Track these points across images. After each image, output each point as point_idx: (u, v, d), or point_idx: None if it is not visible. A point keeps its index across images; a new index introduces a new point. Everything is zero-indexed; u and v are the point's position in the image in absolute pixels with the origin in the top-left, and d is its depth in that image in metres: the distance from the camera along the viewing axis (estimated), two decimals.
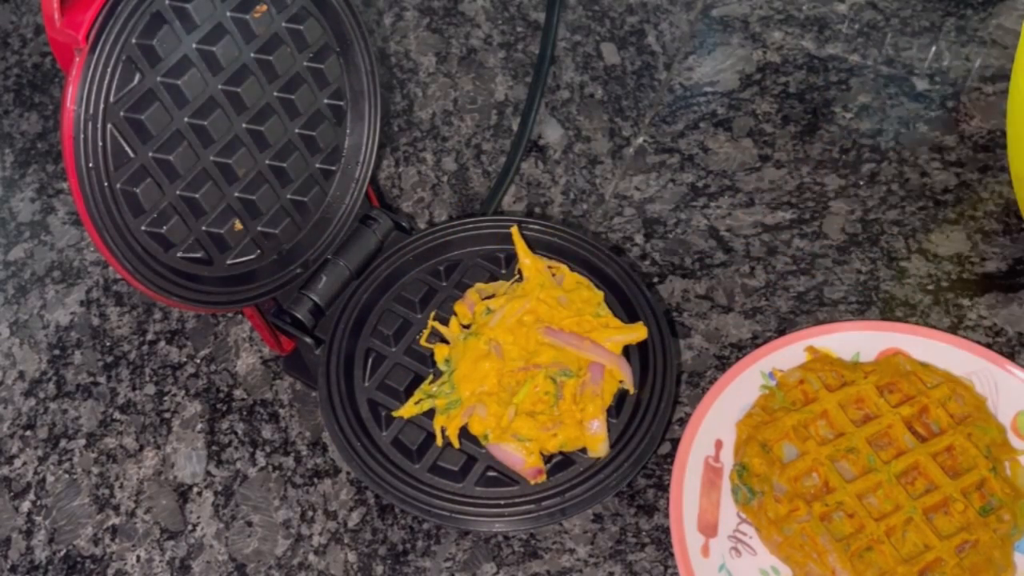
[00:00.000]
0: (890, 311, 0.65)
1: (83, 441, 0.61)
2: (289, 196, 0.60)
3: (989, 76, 0.76)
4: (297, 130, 0.59)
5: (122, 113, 0.51)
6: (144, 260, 0.53)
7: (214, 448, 0.61)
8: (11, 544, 0.58)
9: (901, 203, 0.70)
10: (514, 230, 0.63)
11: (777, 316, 0.65)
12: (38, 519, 0.59)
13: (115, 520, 0.58)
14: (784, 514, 0.54)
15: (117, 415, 0.62)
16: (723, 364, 0.63)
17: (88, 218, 0.50)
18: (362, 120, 0.63)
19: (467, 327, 0.61)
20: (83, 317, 0.66)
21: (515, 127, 0.75)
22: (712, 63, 0.78)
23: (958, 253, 0.68)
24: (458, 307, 0.62)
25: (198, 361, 0.64)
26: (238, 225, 0.57)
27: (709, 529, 0.55)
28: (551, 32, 0.79)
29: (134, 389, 0.63)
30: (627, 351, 0.60)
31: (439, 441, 0.57)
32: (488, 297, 0.62)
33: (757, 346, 0.63)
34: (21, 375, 0.64)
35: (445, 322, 0.61)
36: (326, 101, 0.61)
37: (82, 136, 0.49)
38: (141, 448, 0.61)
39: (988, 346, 0.63)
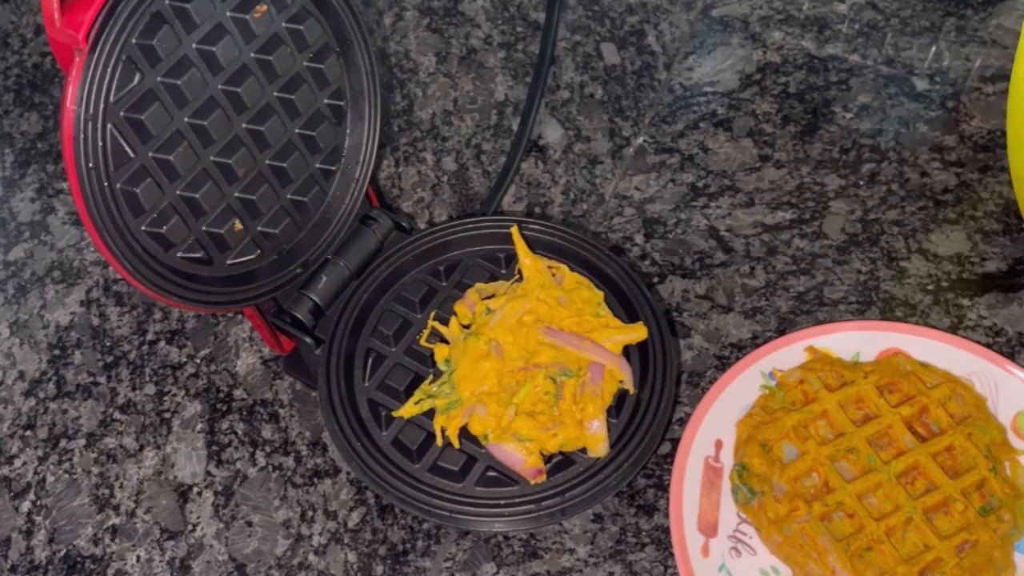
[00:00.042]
0: (890, 311, 0.65)
1: (83, 441, 0.61)
2: (289, 196, 0.60)
3: (989, 76, 0.76)
4: (297, 130, 0.59)
5: (122, 113, 0.51)
6: (144, 260, 0.53)
7: (214, 448, 0.61)
8: (11, 544, 0.58)
9: (901, 203, 0.70)
10: (514, 230, 0.63)
11: (777, 316, 0.65)
12: (38, 519, 0.59)
13: (115, 520, 0.58)
14: (784, 514, 0.54)
15: (117, 415, 0.62)
16: (723, 364, 0.63)
17: (88, 218, 0.50)
18: (362, 120, 0.63)
19: (467, 327, 0.61)
20: (83, 317, 0.66)
21: (515, 127, 0.75)
22: (712, 63, 0.78)
23: (958, 253, 0.68)
24: (458, 307, 0.62)
25: (198, 361, 0.64)
26: (238, 225, 0.57)
27: (709, 529, 0.55)
28: (551, 32, 0.79)
29: (134, 389, 0.63)
30: (627, 351, 0.60)
31: (439, 441, 0.57)
32: (488, 297, 0.62)
33: (757, 346, 0.63)
34: (21, 375, 0.64)
35: (445, 322, 0.61)
36: (326, 101, 0.61)
37: (82, 136, 0.49)
38: (141, 448, 0.61)
39: (988, 346, 0.63)
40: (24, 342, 0.65)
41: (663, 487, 0.59)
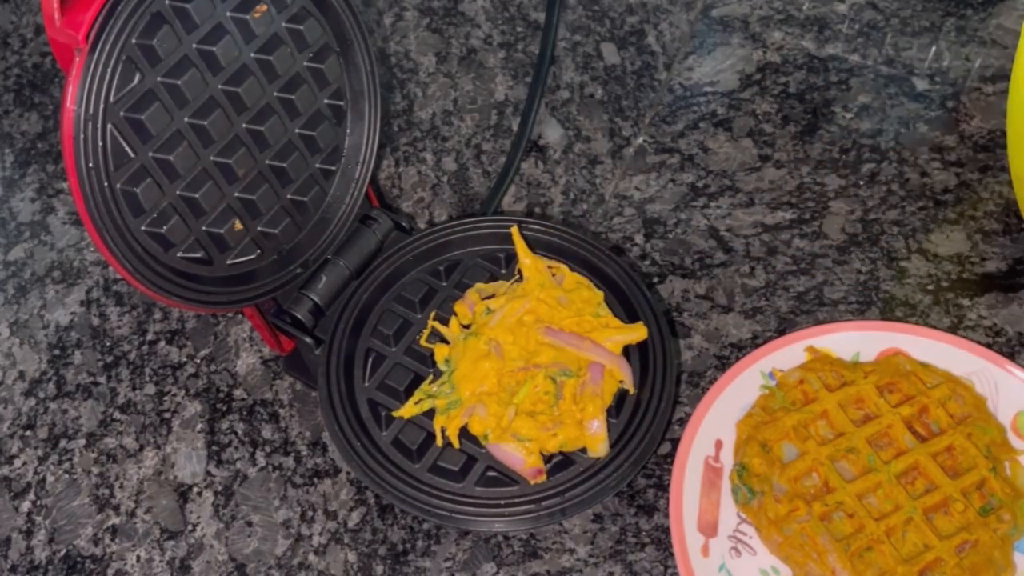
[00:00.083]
0: (890, 311, 0.65)
1: (83, 441, 0.61)
2: (289, 196, 0.60)
3: (989, 76, 0.76)
4: (297, 130, 0.59)
5: (122, 113, 0.51)
6: (144, 260, 0.53)
7: (214, 448, 0.61)
8: (11, 544, 0.58)
9: (901, 203, 0.70)
10: (514, 230, 0.63)
11: (777, 316, 0.65)
12: (38, 519, 0.59)
13: (115, 520, 0.58)
14: (784, 514, 0.54)
15: (117, 415, 0.62)
16: (723, 364, 0.63)
17: (88, 218, 0.50)
18: (362, 120, 0.63)
19: (467, 327, 0.61)
20: (83, 317, 0.66)
21: (515, 127, 0.75)
22: (712, 63, 0.78)
23: (958, 253, 0.68)
24: (458, 307, 0.62)
25: (198, 361, 0.64)
26: (238, 225, 0.57)
27: (709, 529, 0.55)
28: (551, 32, 0.79)
29: (134, 389, 0.63)
30: (627, 351, 0.60)
31: (439, 441, 0.57)
32: (488, 297, 0.62)
33: (757, 346, 0.63)
34: (21, 375, 0.64)
35: (445, 322, 0.61)
36: (326, 101, 0.61)
37: (82, 136, 0.49)
38: (141, 448, 0.61)
39: (988, 346, 0.63)
40: (24, 342, 0.65)
41: (663, 487, 0.59)
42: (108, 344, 0.65)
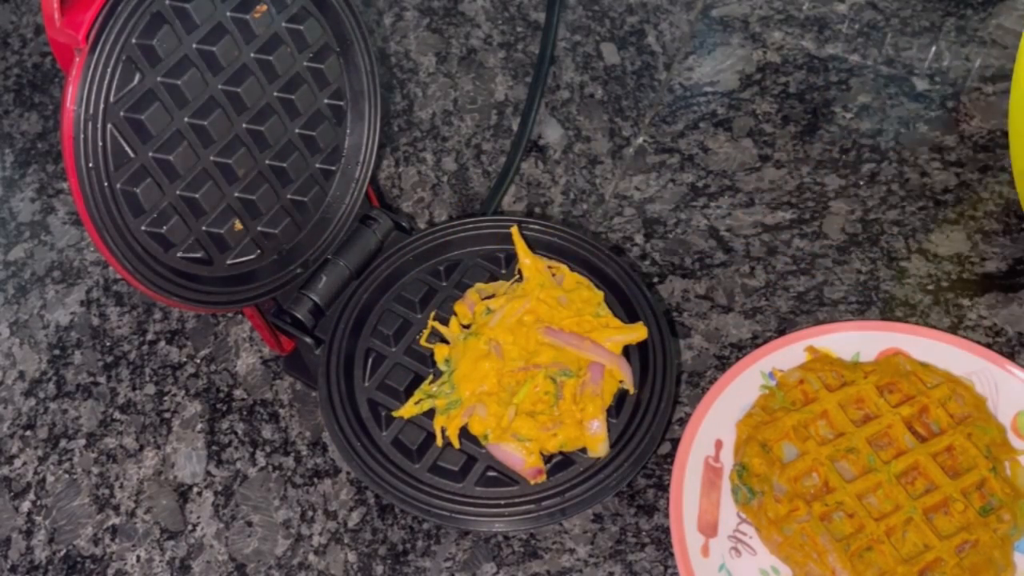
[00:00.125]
0: (890, 311, 0.65)
1: (83, 441, 0.61)
2: (289, 196, 0.60)
3: (989, 76, 0.76)
4: (297, 130, 0.59)
5: (122, 113, 0.51)
6: (144, 260, 0.53)
7: (214, 448, 0.61)
8: (11, 544, 0.58)
9: (901, 203, 0.70)
10: (514, 230, 0.63)
11: (777, 316, 0.65)
12: (38, 519, 0.59)
13: (115, 520, 0.58)
14: (784, 514, 0.54)
15: (117, 415, 0.62)
16: (723, 364, 0.63)
17: (88, 218, 0.50)
18: (362, 120, 0.63)
19: (467, 327, 0.61)
20: (83, 317, 0.66)
21: (515, 127, 0.75)
22: (712, 63, 0.78)
23: (958, 253, 0.68)
24: (458, 307, 0.62)
25: (198, 361, 0.64)
26: (238, 225, 0.57)
27: (709, 529, 0.55)
28: (551, 32, 0.79)
29: (134, 389, 0.63)
30: (627, 351, 0.60)
31: (439, 441, 0.57)
32: (488, 297, 0.62)
33: (757, 346, 0.63)
34: (21, 375, 0.64)
35: (445, 322, 0.61)
36: (326, 101, 0.61)
37: (82, 136, 0.49)
38: (141, 448, 0.61)
39: (988, 346, 0.63)
40: (24, 342, 0.65)
41: (663, 487, 0.59)
42: (108, 344, 0.65)
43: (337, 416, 0.57)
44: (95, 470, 0.60)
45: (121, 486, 0.60)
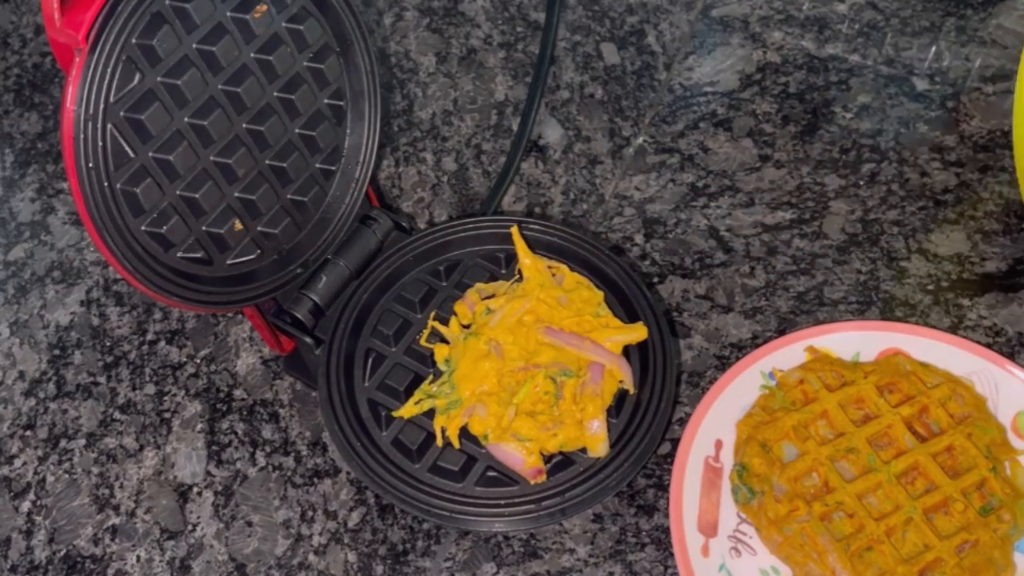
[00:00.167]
0: (890, 311, 0.65)
1: (83, 441, 0.61)
2: (289, 196, 0.60)
3: (989, 76, 0.76)
4: (297, 130, 0.59)
5: (122, 113, 0.51)
6: (144, 260, 0.53)
7: (214, 448, 0.61)
8: (11, 544, 0.58)
9: (901, 203, 0.70)
10: (514, 230, 0.63)
11: (777, 316, 0.65)
12: (38, 519, 0.59)
13: (115, 520, 0.58)
14: (784, 514, 0.54)
15: (117, 415, 0.62)
16: (723, 364, 0.63)
17: (88, 218, 0.50)
18: (362, 120, 0.63)
19: (467, 327, 0.61)
20: (83, 317, 0.66)
21: (515, 127, 0.75)
22: (712, 63, 0.78)
23: (958, 253, 0.68)
24: (458, 307, 0.62)
25: (198, 361, 0.64)
26: (238, 225, 0.57)
27: (709, 529, 0.55)
28: (551, 32, 0.79)
29: (134, 389, 0.63)
30: (627, 351, 0.60)
31: (439, 441, 0.57)
32: (488, 297, 0.62)
33: (757, 346, 0.63)
34: (21, 375, 0.64)
35: (445, 322, 0.61)
36: (326, 101, 0.61)
37: (82, 136, 0.49)
38: (141, 448, 0.61)
39: (988, 346, 0.63)
40: (24, 342, 0.65)
41: (663, 487, 0.59)
42: (108, 344, 0.65)
43: (337, 416, 0.57)
44: (95, 470, 0.60)
45: (121, 486, 0.60)
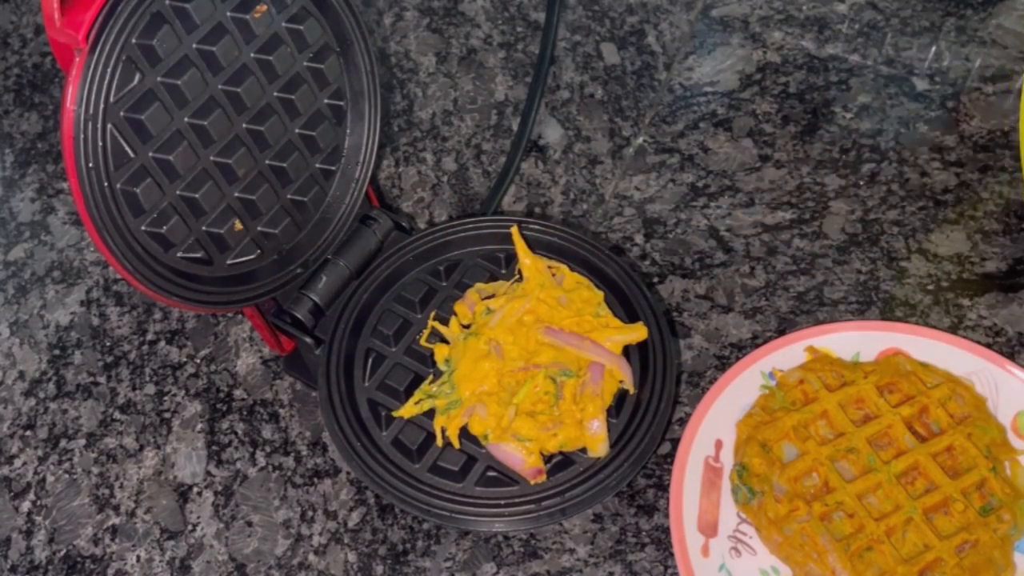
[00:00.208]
0: (890, 311, 0.65)
1: (83, 441, 0.61)
2: (289, 196, 0.60)
3: (989, 76, 0.76)
4: (297, 130, 0.59)
5: (122, 113, 0.51)
6: (144, 260, 0.53)
7: (214, 448, 0.61)
8: (11, 544, 0.58)
9: (901, 203, 0.70)
10: (514, 230, 0.63)
11: (777, 316, 0.65)
12: (38, 519, 0.59)
13: (115, 520, 0.58)
14: (784, 514, 0.54)
15: (117, 415, 0.62)
16: (723, 364, 0.63)
17: (88, 218, 0.50)
18: (362, 120, 0.63)
19: (467, 327, 0.61)
20: (83, 317, 0.66)
21: (515, 127, 0.75)
22: (712, 63, 0.78)
23: (958, 253, 0.68)
24: (458, 307, 0.62)
25: (198, 361, 0.64)
26: (238, 225, 0.57)
27: (709, 529, 0.55)
28: (551, 32, 0.79)
29: (134, 389, 0.63)
30: (627, 351, 0.60)
31: (439, 441, 0.57)
32: (488, 297, 0.62)
33: (757, 346, 0.63)
34: (21, 375, 0.64)
35: (445, 322, 0.61)
36: (326, 101, 0.61)
37: (82, 136, 0.49)
38: (141, 448, 0.61)
39: (988, 346, 0.63)
40: (24, 342, 0.65)
41: (663, 487, 0.59)
42: (108, 344, 0.65)
43: (337, 416, 0.57)
44: (95, 470, 0.60)
45: (121, 486, 0.60)
